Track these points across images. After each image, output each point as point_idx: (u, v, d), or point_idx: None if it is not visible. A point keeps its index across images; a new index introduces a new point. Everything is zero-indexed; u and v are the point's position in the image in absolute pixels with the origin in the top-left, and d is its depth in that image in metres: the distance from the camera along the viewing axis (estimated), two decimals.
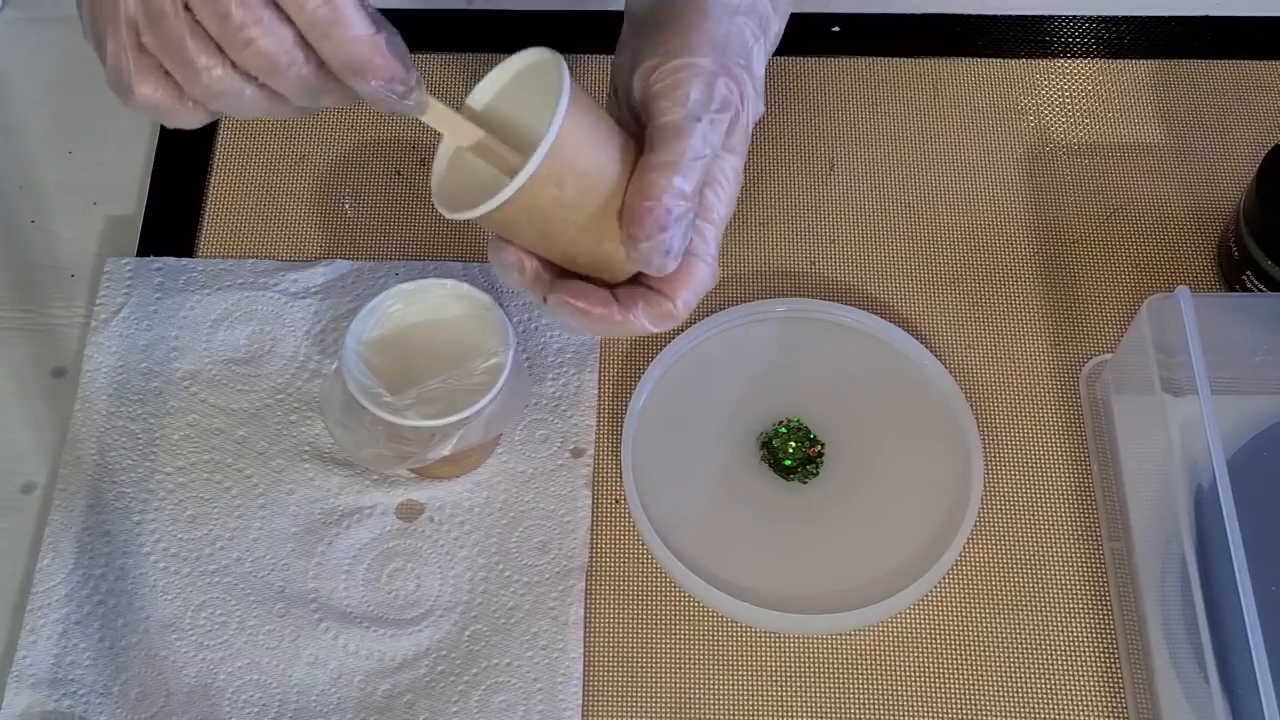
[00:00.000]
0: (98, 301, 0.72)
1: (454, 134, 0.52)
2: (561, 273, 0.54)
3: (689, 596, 0.65)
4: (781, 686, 0.63)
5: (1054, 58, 0.80)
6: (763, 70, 0.56)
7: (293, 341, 0.71)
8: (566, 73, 0.51)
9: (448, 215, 0.52)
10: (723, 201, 0.54)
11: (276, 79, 0.47)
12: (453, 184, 0.54)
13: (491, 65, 0.81)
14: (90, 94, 0.80)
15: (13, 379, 0.71)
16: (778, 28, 0.58)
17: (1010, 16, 0.81)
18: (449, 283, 0.65)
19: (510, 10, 0.82)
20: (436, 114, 0.51)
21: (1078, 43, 0.80)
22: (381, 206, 0.76)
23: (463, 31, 0.81)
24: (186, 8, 0.46)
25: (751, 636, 0.64)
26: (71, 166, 0.78)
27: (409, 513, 0.67)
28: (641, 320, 0.54)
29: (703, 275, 0.54)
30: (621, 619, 0.64)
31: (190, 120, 0.49)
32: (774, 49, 0.58)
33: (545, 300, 0.54)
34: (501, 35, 0.81)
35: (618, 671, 0.63)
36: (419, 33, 0.81)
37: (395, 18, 0.82)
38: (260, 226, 0.75)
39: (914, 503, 0.66)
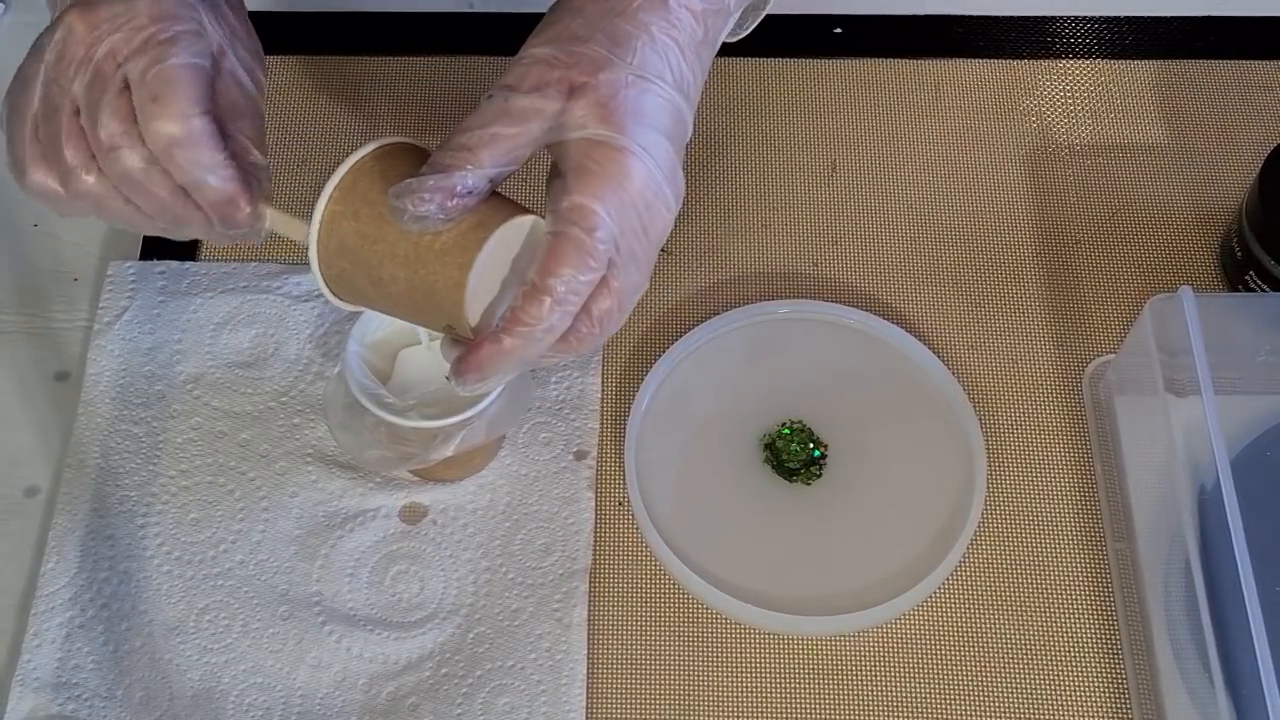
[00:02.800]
0: (101, 305, 0.72)
1: (296, 234, 0.54)
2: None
3: (692, 598, 0.65)
4: (784, 689, 0.63)
5: (1056, 58, 0.80)
6: (664, 54, 0.53)
7: (295, 344, 0.71)
8: (386, 141, 0.54)
9: (322, 292, 0.55)
10: (582, 176, 0.51)
11: (136, 194, 0.52)
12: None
13: (492, 67, 0.81)
14: None
15: (16, 382, 0.71)
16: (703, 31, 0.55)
17: (1012, 17, 0.81)
18: None
19: (511, 13, 0.82)
20: (277, 222, 0.54)
21: (1080, 43, 0.80)
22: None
23: (464, 34, 0.81)
24: (77, 112, 0.51)
25: (755, 639, 0.64)
26: None
27: (412, 515, 0.67)
28: (523, 317, 0.51)
29: (572, 254, 0.51)
30: (625, 621, 0.64)
31: (74, 212, 0.53)
32: (719, 39, 0.57)
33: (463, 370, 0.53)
34: (503, 37, 0.81)
35: (621, 673, 0.63)
36: (420, 35, 0.82)
37: (396, 21, 0.83)
38: None
39: (917, 504, 0.66)
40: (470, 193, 0.51)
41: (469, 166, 0.51)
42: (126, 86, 0.50)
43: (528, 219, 0.53)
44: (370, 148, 0.53)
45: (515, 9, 0.82)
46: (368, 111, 0.79)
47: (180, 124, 0.50)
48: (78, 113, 0.51)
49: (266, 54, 0.85)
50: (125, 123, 0.50)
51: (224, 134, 0.52)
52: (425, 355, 0.65)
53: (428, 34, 0.81)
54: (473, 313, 0.53)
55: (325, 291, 0.55)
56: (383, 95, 0.79)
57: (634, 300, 0.53)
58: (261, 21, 0.79)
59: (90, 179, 0.51)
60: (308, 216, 0.53)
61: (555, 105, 0.52)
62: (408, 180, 0.51)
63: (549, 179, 0.53)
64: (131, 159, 0.51)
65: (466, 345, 0.53)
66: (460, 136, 0.51)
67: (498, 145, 0.51)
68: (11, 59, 0.81)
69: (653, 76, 0.53)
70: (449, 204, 0.51)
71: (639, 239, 0.52)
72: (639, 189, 0.52)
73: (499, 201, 0.53)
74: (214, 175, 0.51)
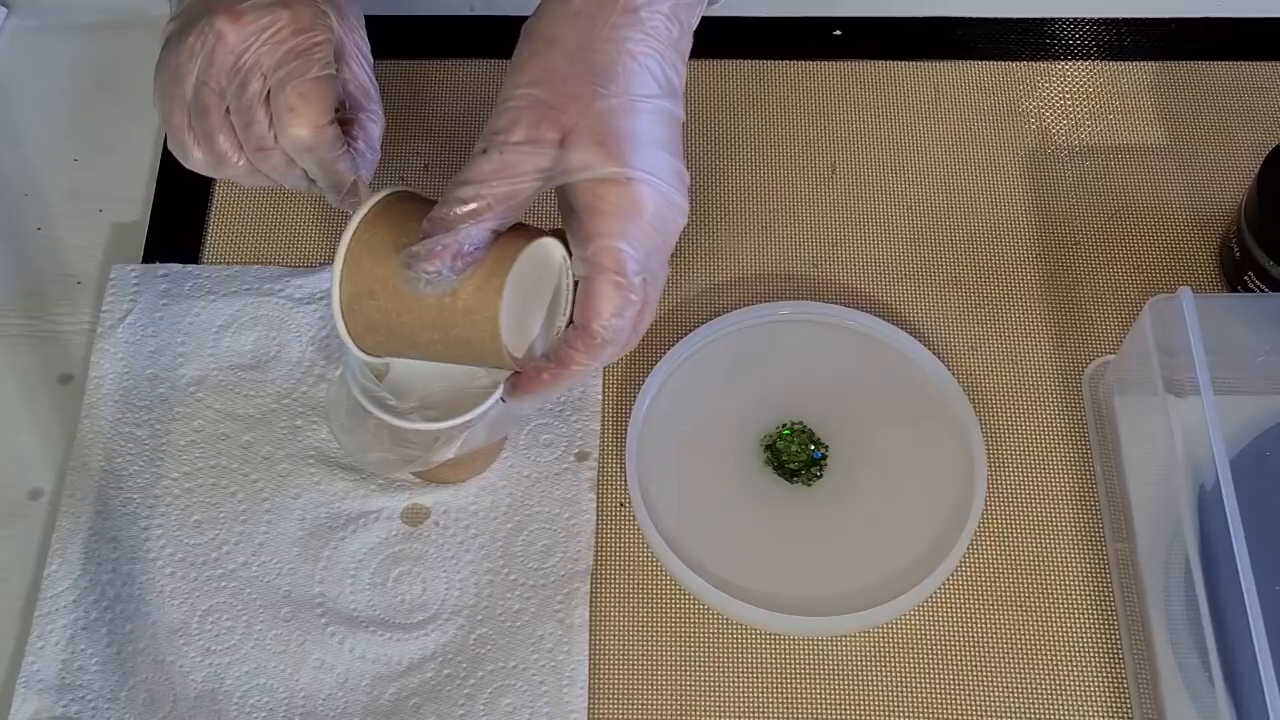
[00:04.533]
0: (104, 308, 0.72)
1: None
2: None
3: (693, 599, 0.65)
4: (785, 689, 0.63)
5: (1055, 60, 0.80)
6: (648, 66, 0.54)
7: (298, 347, 0.71)
8: (374, 200, 0.56)
9: (357, 355, 0.58)
10: (608, 216, 0.53)
11: (275, 176, 0.62)
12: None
13: (494, 70, 0.82)
14: (95, 101, 0.80)
15: (20, 385, 0.71)
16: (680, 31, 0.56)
17: (1011, 19, 0.81)
18: None
19: (513, 15, 0.82)
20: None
21: (1079, 45, 0.80)
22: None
23: (465, 36, 0.82)
24: (227, 110, 0.60)
25: (756, 639, 0.64)
26: (77, 174, 0.78)
27: (414, 517, 0.67)
28: (578, 359, 0.55)
29: (609, 293, 0.53)
30: (626, 622, 0.65)
31: (225, 178, 0.63)
32: (688, 49, 0.57)
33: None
34: (504, 40, 0.81)
35: (622, 674, 0.63)
36: (422, 38, 0.82)
37: (397, 23, 0.83)
38: (265, 232, 0.75)
39: (918, 504, 0.66)
40: (476, 247, 0.53)
41: (471, 223, 0.53)
42: (268, 93, 0.59)
43: (534, 245, 0.55)
44: (357, 220, 0.55)
45: (517, 12, 0.82)
46: None
47: (311, 132, 0.59)
48: (228, 110, 0.60)
49: None
50: (267, 127, 0.59)
51: (345, 126, 0.62)
52: None
53: (429, 36, 0.82)
54: (514, 348, 0.55)
55: (367, 358, 0.58)
56: (385, 98, 0.79)
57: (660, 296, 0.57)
58: None
59: (241, 164, 0.61)
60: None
61: (550, 152, 0.53)
62: (414, 247, 0.53)
63: (563, 215, 0.55)
64: (274, 156, 0.60)
65: (518, 372, 0.57)
66: (459, 191, 0.53)
67: (497, 199, 0.53)
68: (14, 63, 0.82)
69: (641, 95, 0.53)
70: (458, 263, 0.53)
71: (660, 253, 0.55)
72: (653, 212, 0.53)
73: (503, 238, 0.54)
74: (332, 170, 0.61)
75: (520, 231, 0.55)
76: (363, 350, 0.57)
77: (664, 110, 0.54)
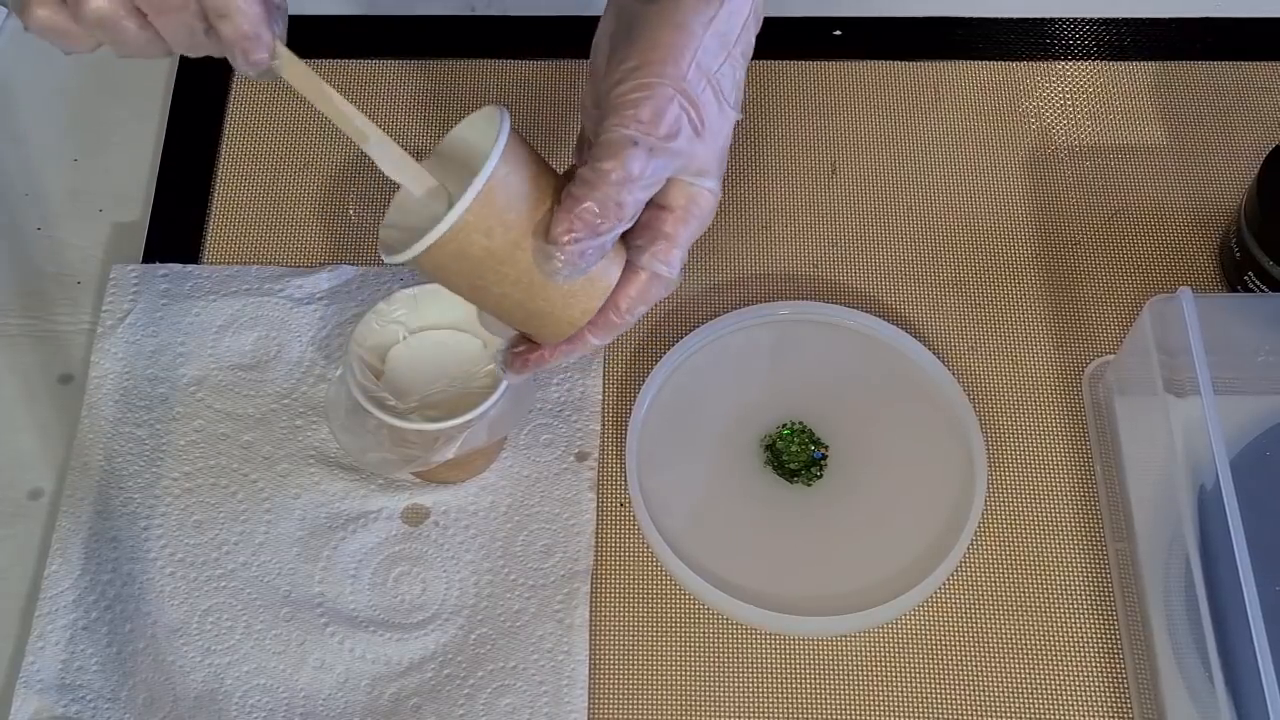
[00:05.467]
0: (104, 308, 0.72)
1: (314, 96, 0.51)
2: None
3: (693, 599, 0.65)
4: (786, 689, 0.63)
5: (1055, 60, 0.80)
6: (740, 77, 0.55)
7: (298, 347, 0.71)
8: (506, 125, 0.51)
9: (385, 259, 0.52)
10: (684, 222, 0.54)
11: (157, 18, 0.48)
12: (405, 228, 0.54)
13: (495, 70, 0.82)
14: (96, 101, 0.80)
15: (20, 385, 0.71)
16: (753, 34, 0.57)
17: (1011, 19, 0.81)
18: None
19: (514, 16, 0.83)
20: (296, 73, 0.50)
21: (1079, 45, 0.80)
22: (386, 212, 0.76)
23: (466, 37, 0.82)
24: None
25: (756, 639, 0.64)
26: (77, 174, 0.78)
27: (414, 517, 0.67)
28: (593, 338, 0.55)
29: (654, 288, 0.54)
30: (626, 622, 0.65)
31: (80, 46, 0.49)
32: (750, 53, 0.57)
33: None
34: (505, 40, 0.81)
35: (622, 674, 0.63)
36: (422, 38, 0.82)
37: (399, 23, 0.83)
38: (265, 232, 0.75)
39: (918, 504, 0.66)
40: (612, 245, 0.52)
41: (618, 225, 0.51)
42: None
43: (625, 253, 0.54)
44: (498, 150, 0.50)
45: (517, 12, 0.83)
46: (370, 115, 0.79)
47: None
48: None
49: None
50: None
51: None
52: (412, 350, 0.66)
53: (430, 37, 0.82)
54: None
55: (400, 259, 0.51)
56: (386, 98, 0.80)
57: None
58: None
59: (131, 26, 0.48)
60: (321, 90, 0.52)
61: (686, 152, 0.52)
62: (565, 246, 0.50)
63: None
64: (183, 14, 0.48)
65: (525, 349, 0.56)
66: (609, 189, 0.50)
67: (643, 198, 0.52)
68: (14, 63, 0.82)
69: (737, 108, 0.55)
70: (597, 259, 0.52)
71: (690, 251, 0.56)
72: (708, 224, 0.55)
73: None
74: (239, 7, 0.48)
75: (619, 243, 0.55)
76: (417, 260, 0.51)
77: (734, 122, 0.55)
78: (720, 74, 0.53)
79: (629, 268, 0.54)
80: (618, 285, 0.54)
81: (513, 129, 0.52)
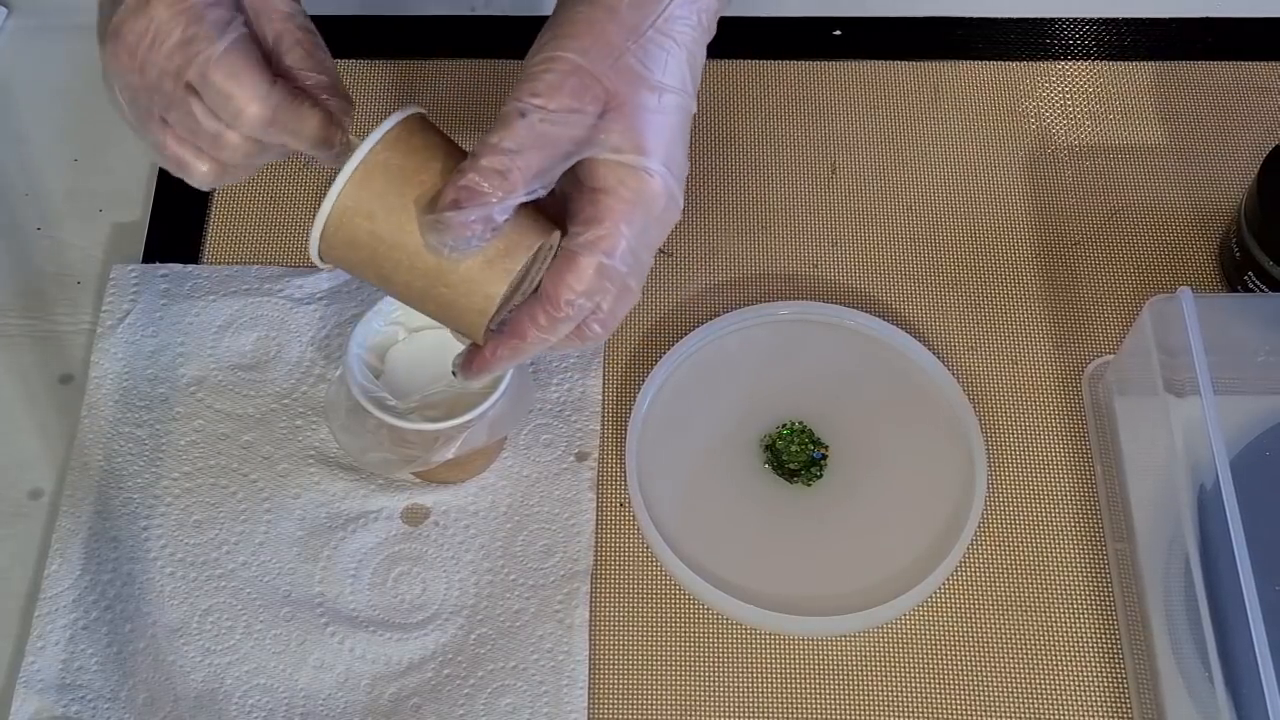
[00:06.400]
0: (104, 308, 0.72)
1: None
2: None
3: (693, 599, 0.65)
4: (785, 689, 0.63)
5: (1055, 60, 0.80)
6: (683, 59, 0.53)
7: (298, 347, 0.71)
8: (398, 114, 0.51)
9: (313, 258, 0.53)
10: (621, 203, 0.52)
11: (256, 162, 0.54)
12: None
13: (495, 70, 0.82)
14: (95, 101, 0.79)
15: (20, 385, 0.71)
16: (703, 18, 0.55)
17: (1011, 19, 0.81)
18: None
19: (514, 16, 0.83)
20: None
21: (1078, 45, 0.80)
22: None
23: (465, 36, 0.82)
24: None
25: (756, 639, 0.64)
26: (77, 174, 0.78)
27: (414, 517, 0.67)
28: (535, 330, 0.53)
29: (601, 280, 0.52)
30: (626, 622, 0.65)
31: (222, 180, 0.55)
32: (703, 36, 0.55)
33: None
34: (505, 40, 0.81)
35: (622, 674, 0.63)
36: (422, 38, 0.82)
37: (399, 24, 0.83)
38: (265, 232, 0.75)
39: (917, 504, 0.66)
40: (505, 219, 0.51)
41: (503, 194, 0.50)
42: (193, 89, 0.51)
43: (549, 237, 0.53)
44: (380, 133, 0.51)
45: (518, 12, 0.83)
46: (370, 115, 0.79)
47: (260, 105, 0.51)
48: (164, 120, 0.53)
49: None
50: (215, 120, 0.52)
51: (291, 76, 0.53)
52: (411, 350, 0.66)
53: (430, 37, 0.82)
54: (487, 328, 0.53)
55: (315, 258, 0.53)
56: (386, 98, 0.80)
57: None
58: None
59: (206, 169, 0.54)
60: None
61: (588, 123, 0.51)
62: (446, 213, 0.49)
63: (565, 186, 0.53)
64: (236, 144, 0.52)
65: (474, 347, 0.54)
66: (493, 158, 0.50)
67: (532, 170, 0.50)
68: (14, 63, 0.82)
69: (675, 87, 0.53)
70: (487, 234, 0.50)
71: (653, 247, 0.54)
72: (659, 209, 0.53)
73: (520, 220, 0.52)
74: (304, 129, 0.52)
75: (535, 223, 0.53)
76: (322, 255, 0.53)
77: (687, 108, 0.54)
78: (645, 51, 0.52)
79: (565, 254, 0.52)
80: (553, 271, 0.52)
81: (419, 119, 0.52)
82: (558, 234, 0.53)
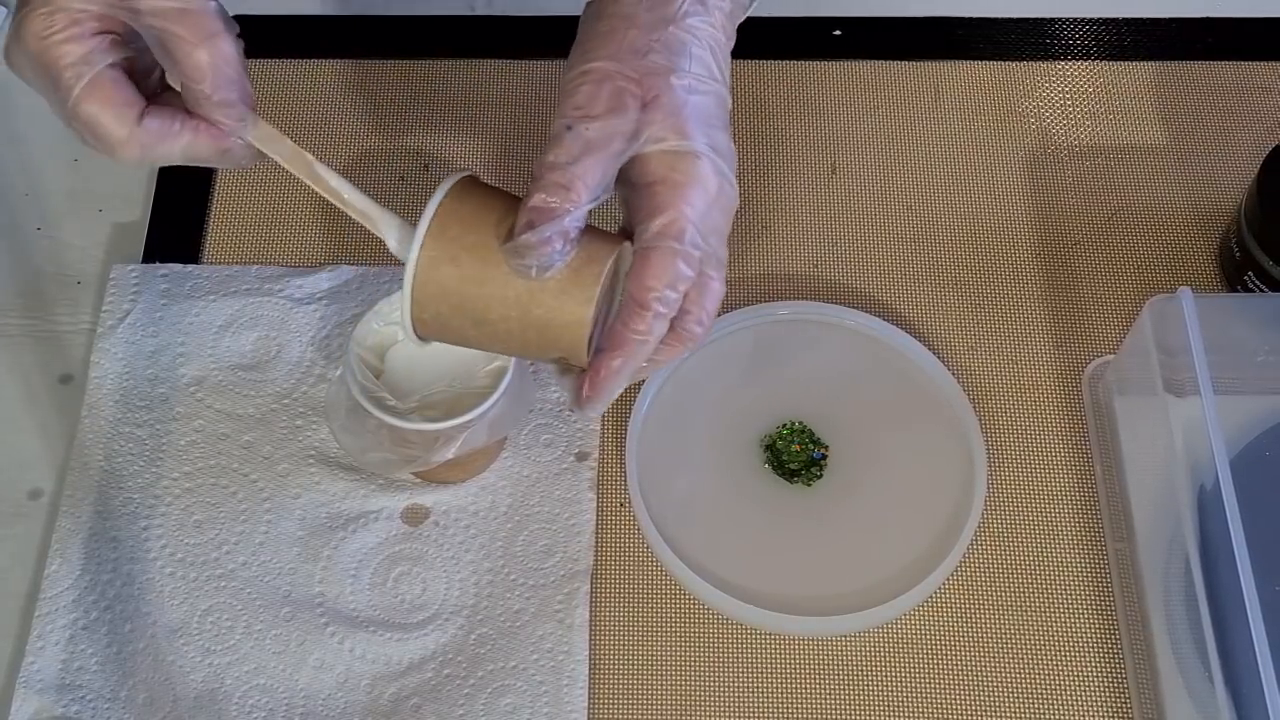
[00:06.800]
0: (104, 308, 0.72)
1: (281, 156, 0.54)
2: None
3: (693, 599, 0.65)
4: (786, 689, 0.63)
5: (1055, 60, 0.80)
6: (707, 49, 0.55)
7: (298, 347, 0.71)
8: (453, 177, 0.54)
9: (407, 337, 0.55)
10: (676, 188, 0.53)
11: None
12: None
13: (495, 70, 0.82)
14: None
15: (20, 385, 0.71)
16: (721, 11, 0.57)
17: (1011, 19, 0.81)
18: None
19: (513, 16, 0.83)
20: (265, 144, 0.54)
21: (1079, 45, 0.80)
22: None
23: (465, 36, 0.82)
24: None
25: (756, 639, 0.64)
26: (77, 174, 0.78)
27: (414, 517, 0.67)
28: (632, 333, 0.54)
29: (674, 267, 0.53)
30: (626, 622, 0.65)
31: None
32: (725, 23, 0.57)
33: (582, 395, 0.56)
34: (505, 40, 0.81)
35: (622, 674, 0.63)
36: (422, 38, 0.82)
37: (398, 24, 0.83)
38: (265, 232, 0.75)
39: (918, 504, 0.66)
40: (579, 229, 0.52)
41: (571, 206, 0.51)
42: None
43: (624, 244, 0.55)
44: (444, 190, 0.53)
45: (517, 12, 0.83)
46: (370, 115, 0.79)
47: (126, 145, 0.52)
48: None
49: (267, 58, 0.85)
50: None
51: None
52: (411, 350, 0.65)
53: (430, 37, 0.82)
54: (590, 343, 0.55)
55: (410, 333, 0.55)
56: (386, 98, 0.80)
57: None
58: (263, 26, 0.79)
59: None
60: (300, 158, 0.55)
61: (632, 123, 0.53)
62: (524, 236, 0.51)
63: (623, 189, 0.54)
64: (133, 160, 0.53)
65: (581, 374, 0.55)
66: (554, 175, 0.52)
67: (592, 177, 0.52)
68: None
69: (707, 78, 0.55)
70: (567, 248, 0.52)
71: (722, 233, 0.55)
72: (715, 191, 0.54)
73: (593, 232, 0.54)
74: (186, 152, 0.53)
75: (607, 232, 0.55)
76: (415, 322, 0.54)
77: (722, 97, 0.55)
78: (668, 47, 0.54)
79: (638, 254, 0.54)
80: (632, 274, 0.53)
81: (471, 178, 0.54)
82: (628, 244, 0.55)
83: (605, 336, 0.55)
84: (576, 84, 0.53)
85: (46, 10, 0.51)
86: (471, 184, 0.55)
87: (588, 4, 0.56)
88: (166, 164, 0.54)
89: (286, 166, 0.55)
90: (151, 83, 0.54)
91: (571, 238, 0.52)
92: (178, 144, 0.52)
